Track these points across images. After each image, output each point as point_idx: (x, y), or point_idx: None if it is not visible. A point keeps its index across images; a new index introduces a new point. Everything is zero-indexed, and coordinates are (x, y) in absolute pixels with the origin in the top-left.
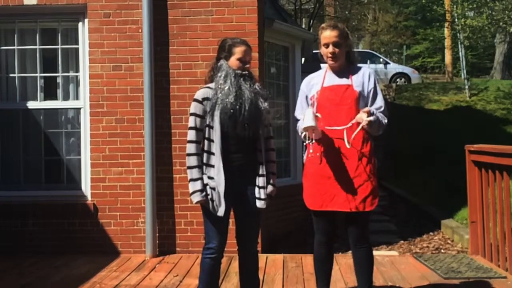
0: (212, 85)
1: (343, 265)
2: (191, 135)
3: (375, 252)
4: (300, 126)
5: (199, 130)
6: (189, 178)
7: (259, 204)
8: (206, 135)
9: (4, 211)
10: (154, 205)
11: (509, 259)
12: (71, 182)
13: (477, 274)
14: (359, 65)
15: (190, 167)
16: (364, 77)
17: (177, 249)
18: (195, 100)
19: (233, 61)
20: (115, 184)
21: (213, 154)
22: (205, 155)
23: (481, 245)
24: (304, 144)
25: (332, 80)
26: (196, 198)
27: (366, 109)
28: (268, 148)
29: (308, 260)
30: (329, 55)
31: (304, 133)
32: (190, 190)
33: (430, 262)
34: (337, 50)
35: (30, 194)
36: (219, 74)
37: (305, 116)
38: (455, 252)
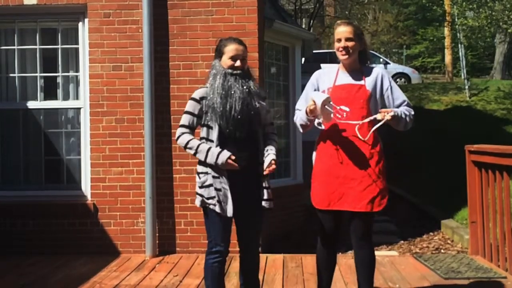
0: (208, 84)
1: (343, 265)
2: (180, 131)
3: (375, 252)
4: (315, 98)
5: (190, 128)
6: (203, 154)
7: (267, 204)
8: (205, 135)
9: (4, 211)
10: (154, 205)
11: (509, 259)
12: (71, 182)
13: (477, 274)
14: (371, 65)
15: (197, 147)
16: (377, 78)
17: (177, 249)
18: (193, 98)
19: (225, 60)
20: (115, 184)
21: None
22: None
23: (481, 245)
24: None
25: (345, 79)
26: (225, 154)
27: (388, 109)
28: (270, 138)
29: (308, 260)
30: (341, 49)
31: (305, 119)
32: (213, 159)
33: (430, 262)
34: (348, 44)
35: (30, 194)
36: (210, 74)
37: (316, 95)
38: (455, 252)
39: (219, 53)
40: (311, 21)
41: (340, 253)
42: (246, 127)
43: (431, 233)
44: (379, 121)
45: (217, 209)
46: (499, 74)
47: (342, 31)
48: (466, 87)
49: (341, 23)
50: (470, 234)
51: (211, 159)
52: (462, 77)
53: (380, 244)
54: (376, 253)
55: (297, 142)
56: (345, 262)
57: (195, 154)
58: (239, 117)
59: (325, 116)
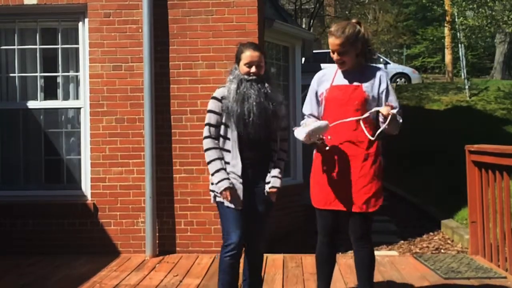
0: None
1: (343, 265)
2: (207, 131)
3: (375, 252)
4: (307, 125)
5: (216, 126)
6: (211, 171)
7: (274, 182)
8: (223, 133)
9: (4, 211)
10: (154, 205)
11: (509, 259)
12: (71, 182)
13: (477, 274)
14: (373, 65)
15: (210, 161)
16: (375, 79)
17: (177, 249)
18: (214, 98)
19: (241, 66)
20: (115, 184)
21: (229, 151)
22: (222, 152)
23: (481, 245)
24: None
25: (342, 79)
26: (224, 184)
27: (389, 103)
28: (280, 148)
29: (308, 260)
30: (335, 61)
31: (307, 133)
32: (216, 180)
33: (430, 262)
34: (341, 57)
35: (30, 194)
36: (228, 78)
37: (298, 134)
38: (455, 252)
39: (237, 59)
40: (311, 21)
41: (340, 253)
42: (263, 130)
43: (431, 233)
44: (383, 117)
45: (227, 202)
46: (499, 74)
47: (333, 43)
48: (466, 87)
49: (333, 32)
50: (470, 234)
51: (214, 179)
52: (462, 77)
53: (380, 244)
54: (376, 253)
55: (297, 142)
56: (345, 262)
57: (207, 163)
58: (258, 122)
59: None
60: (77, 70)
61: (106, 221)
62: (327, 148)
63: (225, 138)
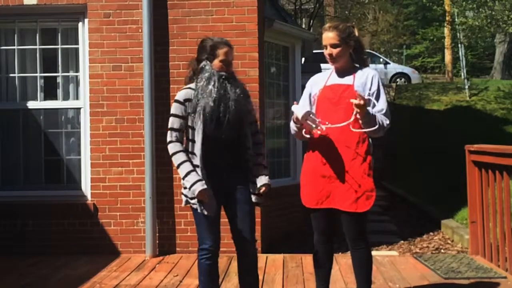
0: (193, 85)
1: (343, 265)
2: (169, 135)
3: (375, 252)
4: (296, 112)
5: (179, 130)
6: (182, 174)
7: (255, 199)
8: (190, 136)
9: (4, 211)
10: (154, 205)
11: (509, 259)
12: (71, 182)
13: (477, 274)
14: (367, 67)
15: (179, 164)
16: (367, 79)
17: (177, 249)
18: (176, 101)
19: (217, 63)
20: (115, 184)
21: (195, 154)
22: (189, 156)
23: (481, 245)
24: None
25: (335, 79)
26: (199, 187)
27: (362, 95)
28: (255, 142)
29: (308, 260)
30: (327, 56)
31: (306, 111)
32: (188, 185)
33: (430, 262)
34: (334, 51)
35: (30, 194)
36: (201, 76)
37: (296, 109)
38: (455, 252)
39: (211, 55)
40: (311, 21)
41: (340, 253)
42: (236, 129)
43: (431, 233)
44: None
45: (199, 208)
46: (499, 74)
47: (326, 37)
48: (466, 87)
49: (326, 28)
50: (470, 234)
51: (186, 183)
52: (462, 77)
53: (380, 244)
54: (376, 253)
55: (297, 142)
56: (345, 262)
57: (177, 167)
58: (232, 121)
59: (307, 128)
60: (77, 70)
61: (106, 221)
62: (320, 132)
63: (193, 141)
